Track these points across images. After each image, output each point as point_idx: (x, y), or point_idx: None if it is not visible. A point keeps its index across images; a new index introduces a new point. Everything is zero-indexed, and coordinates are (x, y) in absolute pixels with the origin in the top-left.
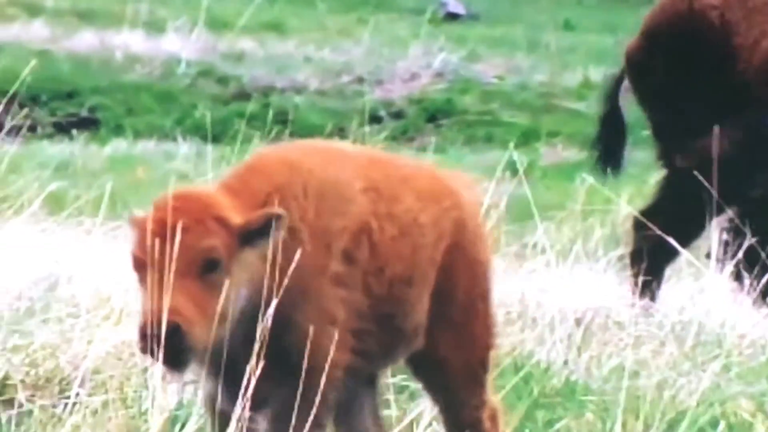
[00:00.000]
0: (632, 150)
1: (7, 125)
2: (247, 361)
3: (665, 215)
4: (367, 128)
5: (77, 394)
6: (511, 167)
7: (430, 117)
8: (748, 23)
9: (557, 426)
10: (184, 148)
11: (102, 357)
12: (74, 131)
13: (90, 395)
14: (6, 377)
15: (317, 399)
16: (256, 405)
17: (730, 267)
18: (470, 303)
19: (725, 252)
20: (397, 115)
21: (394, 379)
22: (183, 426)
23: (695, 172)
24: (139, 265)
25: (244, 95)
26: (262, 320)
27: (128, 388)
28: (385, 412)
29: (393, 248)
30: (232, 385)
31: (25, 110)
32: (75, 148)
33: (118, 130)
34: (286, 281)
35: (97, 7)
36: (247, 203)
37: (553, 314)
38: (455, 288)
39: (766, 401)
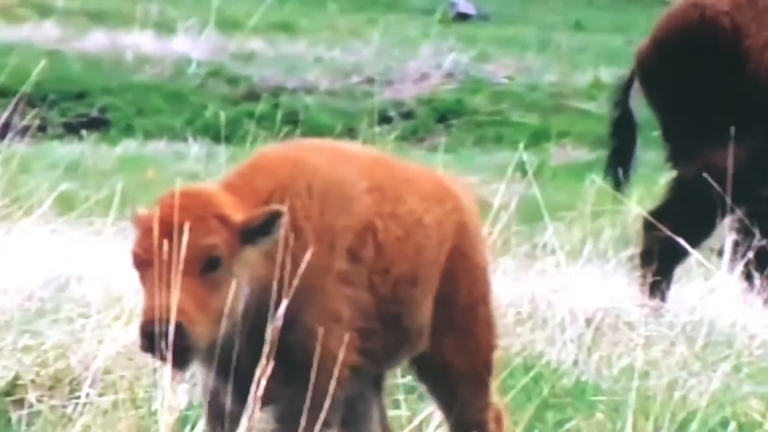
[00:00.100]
0: (642, 151)
1: (18, 125)
2: (250, 358)
3: (675, 216)
4: (377, 128)
5: (87, 395)
6: (521, 168)
7: (440, 117)
8: (758, 24)
9: (567, 426)
10: (195, 148)
11: (112, 357)
12: (84, 131)
13: (100, 395)
14: (16, 377)
15: (325, 398)
16: (261, 403)
17: (740, 267)
18: (472, 306)
19: (735, 252)
20: (407, 115)
21: (403, 379)
22: (193, 426)
23: (705, 174)
24: (140, 263)
25: (254, 95)
26: (271, 321)
27: (138, 388)
28: (395, 413)
29: (398, 248)
30: (234, 382)
31: (36, 110)
32: (85, 148)
33: (128, 131)
34: (295, 282)
35: (108, 7)
36: (250, 201)
37: (563, 314)
38: (457, 291)
39: None
